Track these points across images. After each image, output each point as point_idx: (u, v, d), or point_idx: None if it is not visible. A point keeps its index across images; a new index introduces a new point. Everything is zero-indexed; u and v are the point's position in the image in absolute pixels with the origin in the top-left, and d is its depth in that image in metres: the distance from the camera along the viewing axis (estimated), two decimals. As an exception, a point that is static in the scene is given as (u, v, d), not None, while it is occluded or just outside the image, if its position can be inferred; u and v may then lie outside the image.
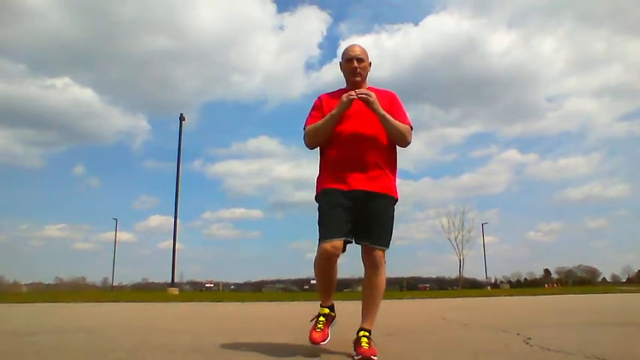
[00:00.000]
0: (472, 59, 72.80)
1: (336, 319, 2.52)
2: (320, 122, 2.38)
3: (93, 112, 74.70)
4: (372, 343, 2.17)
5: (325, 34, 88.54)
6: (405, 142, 2.42)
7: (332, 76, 76.48)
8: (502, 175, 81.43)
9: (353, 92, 2.33)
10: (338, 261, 2.29)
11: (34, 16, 68.66)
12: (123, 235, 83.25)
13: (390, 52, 79.00)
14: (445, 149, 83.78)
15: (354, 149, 2.32)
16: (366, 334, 2.21)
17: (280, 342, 2.88)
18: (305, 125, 2.46)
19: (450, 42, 73.88)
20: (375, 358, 2.06)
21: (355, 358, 2.10)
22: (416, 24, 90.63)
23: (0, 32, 64.02)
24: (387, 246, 2.33)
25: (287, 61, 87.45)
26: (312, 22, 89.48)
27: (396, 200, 2.40)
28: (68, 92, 70.53)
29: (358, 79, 2.46)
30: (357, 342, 2.19)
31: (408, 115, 2.48)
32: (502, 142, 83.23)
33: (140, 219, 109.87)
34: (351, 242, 2.32)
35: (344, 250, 2.29)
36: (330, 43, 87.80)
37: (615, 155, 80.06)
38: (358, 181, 2.28)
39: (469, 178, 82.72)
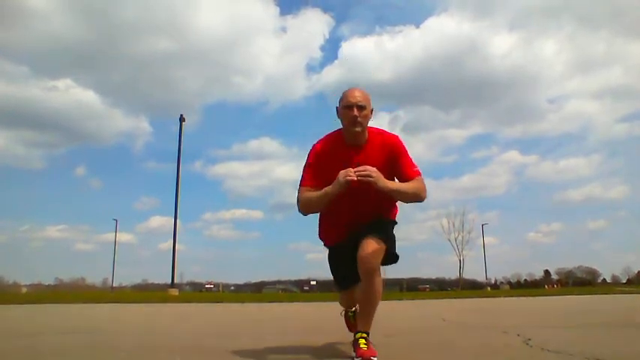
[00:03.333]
0: (473, 61, 72.66)
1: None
2: (315, 197, 2.21)
3: (94, 113, 74.55)
4: (371, 344, 2.16)
5: (327, 36, 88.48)
6: (420, 201, 2.27)
7: (332, 77, 76.67)
8: (502, 176, 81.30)
9: (351, 172, 2.09)
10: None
11: (36, 18, 68.49)
12: (123, 236, 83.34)
13: (391, 53, 78.87)
14: (445, 150, 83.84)
15: (355, 217, 2.31)
16: (364, 335, 2.20)
17: (280, 342, 2.88)
18: (300, 184, 2.29)
19: (451, 44, 73.65)
20: (375, 358, 2.06)
21: (355, 359, 2.09)
22: (417, 26, 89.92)
23: (2, 34, 63.72)
24: (387, 236, 2.23)
25: (288, 63, 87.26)
26: (315, 25, 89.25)
27: (395, 222, 2.41)
28: (70, 94, 70.30)
29: (358, 129, 2.21)
30: (356, 343, 2.18)
31: (412, 160, 2.30)
32: (502, 143, 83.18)
33: (141, 220, 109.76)
34: None
35: None
36: (331, 45, 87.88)
37: (615, 156, 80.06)
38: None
39: (469, 179, 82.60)
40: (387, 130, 2.37)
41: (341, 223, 2.39)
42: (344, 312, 2.73)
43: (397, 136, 2.33)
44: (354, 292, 2.44)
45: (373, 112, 2.29)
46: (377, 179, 2.09)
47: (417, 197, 2.23)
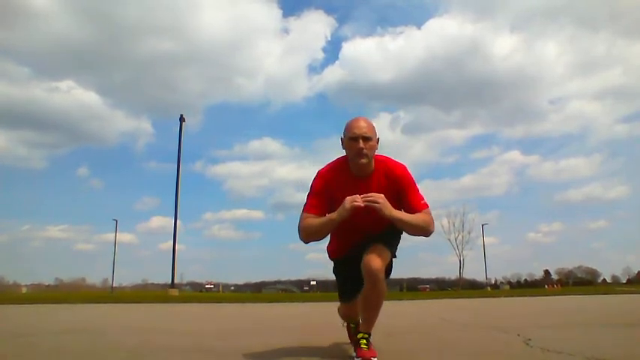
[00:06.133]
0: (474, 62, 72.83)
1: None
2: (317, 223, 2.15)
3: (96, 114, 74.94)
4: (372, 345, 2.16)
5: (329, 37, 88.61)
6: (427, 234, 2.19)
7: (333, 78, 76.85)
8: (503, 176, 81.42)
9: (358, 198, 2.05)
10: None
11: (38, 19, 68.64)
12: (124, 236, 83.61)
13: (392, 54, 79.12)
14: (446, 150, 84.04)
15: (361, 238, 2.26)
16: (366, 335, 2.20)
17: (280, 342, 2.87)
18: (303, 210, 2.21)
19: (452, 45, 73.84)
20: (375, 359, 2.06)
21: (355, 359, 2.09)
22: (419, 27, 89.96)
23: (5, 35, 63.97)
24: (391, 245, 2.24)
25: (290, 64, 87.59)
26: (317, 26, 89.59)
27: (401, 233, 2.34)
28: (72, 95, 70.59)
29: (364, 161, 2.14)
30: (357, 344, 2.18)
31: (420, 191, 2.25)
32: (503, 143, 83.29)
33: (141, 220, 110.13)
34: None
35: None
36: (333, 46, 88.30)
37: (616, 157, 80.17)
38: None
39: (470, 179, 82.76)
40: (392, 158, 2.30)
41: (347, 242, 2.37)
42: (346, 324, 2.63)
43: (404, 167, 2.27)
44: (356, 305, 2.35)
45: (379, 142, 2.22)
46: (383, 206, 2.04)
47: (423, 230, 2.16)
